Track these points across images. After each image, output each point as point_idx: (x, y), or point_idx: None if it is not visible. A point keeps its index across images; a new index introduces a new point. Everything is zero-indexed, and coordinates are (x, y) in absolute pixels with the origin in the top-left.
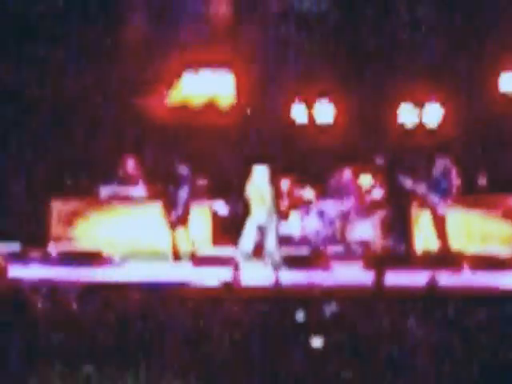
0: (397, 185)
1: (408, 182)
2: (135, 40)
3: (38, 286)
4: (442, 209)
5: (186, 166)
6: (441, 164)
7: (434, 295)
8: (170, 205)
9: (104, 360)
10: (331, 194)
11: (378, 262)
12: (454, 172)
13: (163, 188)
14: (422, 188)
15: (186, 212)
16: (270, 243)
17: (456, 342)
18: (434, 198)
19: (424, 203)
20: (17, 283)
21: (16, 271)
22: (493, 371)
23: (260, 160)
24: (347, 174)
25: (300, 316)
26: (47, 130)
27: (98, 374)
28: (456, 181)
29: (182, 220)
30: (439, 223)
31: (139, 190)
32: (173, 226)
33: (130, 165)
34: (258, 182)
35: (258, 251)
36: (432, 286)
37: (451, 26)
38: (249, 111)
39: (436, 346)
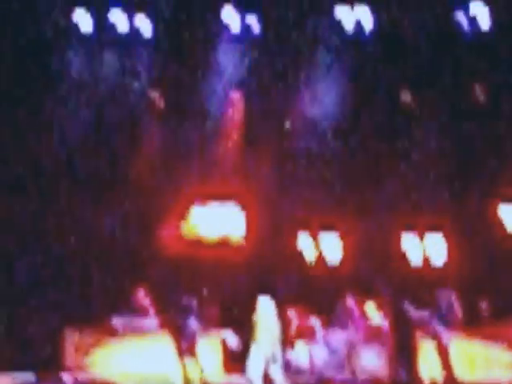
0: (402, 314)
1: (413, 312)
2: (146, 172)
3: None
4: (446, 338)
5: (193, 297)
6: (445, 296)
7: None
8: (179, 335)
9: None
10: (336, 323)
11: None
12: (457, 304)
13: (172, 318)
14: (426, 318)
15: (195, 342)
16: (277, 372)
17: None
18: (438, 328)
19: (428, 333)
20: None
21: None
22: None
23: (267, 291)
24: (350, 302)
25: None
26: (61, 260)
27: None
28: (459, 312)
29: (192, 350)
30: (443, 352)
31: (151, 321)
32: (182, 355)
33: (141, 295)
34: (263, 312)
35: (267, 380)
36: None
37: (450, 157)
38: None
39: None
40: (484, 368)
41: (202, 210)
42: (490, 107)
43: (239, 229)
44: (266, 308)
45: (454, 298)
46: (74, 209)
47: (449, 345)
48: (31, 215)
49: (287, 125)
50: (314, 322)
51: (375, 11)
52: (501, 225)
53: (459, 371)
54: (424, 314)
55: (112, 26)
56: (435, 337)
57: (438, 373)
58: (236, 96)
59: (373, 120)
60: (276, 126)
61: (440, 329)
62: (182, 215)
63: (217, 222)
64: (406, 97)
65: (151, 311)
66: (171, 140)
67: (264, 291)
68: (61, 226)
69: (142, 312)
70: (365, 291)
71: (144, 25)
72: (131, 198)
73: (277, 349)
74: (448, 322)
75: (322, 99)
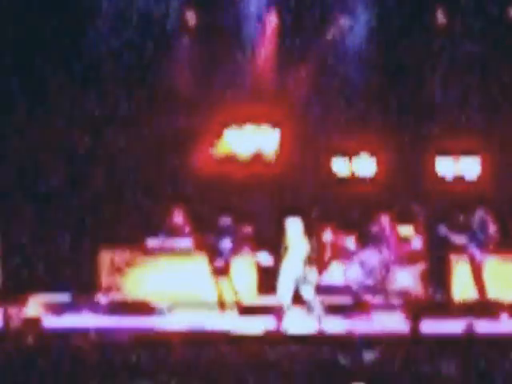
0: (435, 235)
1: (447, 232)
2: (182, 94)
3: (87, 335)
4: (480, 258)
5: (228, 217)
6: (478, 215)
7: (472, 343)
8: (214, 255)
9: None
10: (371, 243)
11: (415, 310)
12: (490, 223)
13: (207, 239)
14: (460, 238)
15: (230, 262)
16: (309, 294)
17: None
18: (472, 248)
19: (462, 253)
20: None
21: (66, 321)
22: None
23: (300, 211)
24: (385, 220)
25: (343, 361)
26: (97, 182)
27: None
28: (493, 231)
29: (227, 270)
30: (477, 272)
31: (186, 241)
32: (217, 276)
33: (178, 216)
34: (293, 233)
35: (299, 300)
36: (470, 333)
37: (487, 83)
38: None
39: None
40: None
41: (236, 131)
42: None
43: (273, 148)
44: (295, 229)
45: (488, 218)
46: (108, 128)
47: (483, 266)
48: (61, 133)
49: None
50: (349, 242)
51: None
52: None
53: (493, 292)
54: (458, 235)
55: None
56: (470, 258)
57: (471, 294)
58: (270, 15)
59: (408, 46)
60: (311, 47)
61: (474, 250)
62: (217, 136)
63: (250, 142)
64: (441, 17)
65: (186, 231)
66: (206, 61)
67: (296, 211)
68: (95, 147)
69: (176, 232)
70: (399, 213)
71: None
72: (166, 118)
73: (309, 269)
74: (482, 243)
75: (357, 21)
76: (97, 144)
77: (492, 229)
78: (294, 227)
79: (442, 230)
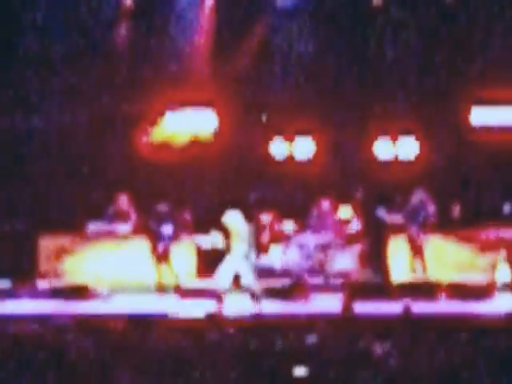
0: (374, 216)
1: (384, 213)
2: (119, 78)
3: (28, 320)
4: (420, 239)
5: (166, 202)
6: (417, 195)
7: (408, 323)
8: (154, 240)
9: None
10: (311, 227)
11: (351, 291)
12: (430, 203)
13: (147, 224)
14: (398, 218)
15: (170, 246)
16: (248, 277)
17: (431, 369)
18: (411, 228)
19: (401, 233)
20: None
21: (6, 307)
22: None
23: (238, 202)
24: (325, 205)
25: (311, 339)
26: (36, 167)
27: None
28: (432, 212)
29: (166, 254)
30: (417, 253)
31: (125, 226)
32: (157, 260)
33: (123, 201)
34: (231, 224)
35: (238, 284)
36: (407, 314)
37: (424, 63)
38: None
39: (411, 374)
40: (458, 270)
41: (173, 115)
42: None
43: (210, 131)
44: (234, 220)
45: (427, 199)
46: (48, 112)
47: (423, 246)
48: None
49: (263, 117)
50: (288, 225)
51: None
52: (473, 128)
53: (433, 273)
54: (397, 216)
55: None
56: (409, 238)
57: (410, 274)
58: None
59: (348, 26)
60: (249, 30)
61: (413, 230)
62: (155, 121)
63: (188, 125)
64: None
65: (126, 217)
66: (142, 44)
67: (236, 198)
68: (34, 131)
69: (116, 218)
70: (338, 195)
71: None
72: (104, 103)
73: (249, 253)
74: (421, 224)
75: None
76: (36, 128)
77: (431, 209)
78: (233, 218)
79: (380, 211)
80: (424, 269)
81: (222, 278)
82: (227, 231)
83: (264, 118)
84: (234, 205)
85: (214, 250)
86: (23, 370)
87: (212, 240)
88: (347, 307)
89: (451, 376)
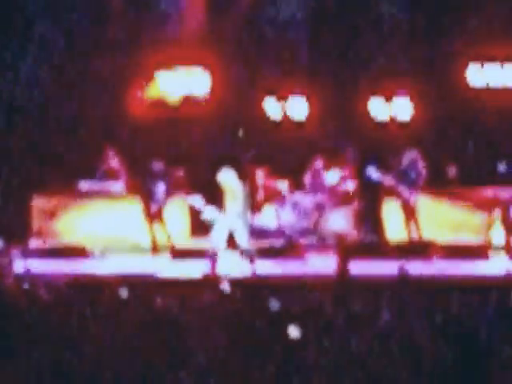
0: (367, 177)
1: (376, 174)
2: (112, 38)
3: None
4: (412, 199)
5: (160, 161)
6: (408, 156)
7: (404, 284)
8: (147, 199)
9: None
10: (305, 186)
11: (345, 251)
12: (421, 163)
13: (140, 183)
14: (390, 179)
15: (164, 206)
16: (243, 237)
17: (427, 330)
18: (403, 189)
19: (394, 194)
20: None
21: None
22: (463, 360)
23: (232, 157)
24: (319, 164)
25: (274, 305)
26: (27, 126)
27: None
28: (423, 172)
29: (160, 214)
30: (410, 213)
31: (119, 185)
32: (151, 219)
33: (113, 159)
34: (226, 182)
35: (233, 244)
36: (402, 274)
37: (417, 21)
38: (240, 133)
39: (407, 335)
40: (452, 230)
41: (166, 74)
42: None
43: (204, 90)
44: (228, 178)
45: (419, 159)
46: (37, 71)
47: (415, 206)
48: None
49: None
50: (282, 185)
51: None
52: (469, 88)
53: (427, 233)
54: (390, 177)
55: None
56: (401, 199)
57: (404, 234)
58: None
59: None
60: None
61: (405, 190)
62: (148, 79)
63: (181, 84)
64: None
65: (119, 175)
66: (138, 3)
67: (229, 158)
68: (25, 91)
69: (109, 176)
70: (332, 155)
71: None
72: (97, 61)
73: (242, 212)
74: (414, 184)
75: None
76: (27, 88)
77: (422, 170)
78: (227, 176)
79: (373, 171)
80: (417, 229)
81: (216, 237)
82: (221, 190)
83: (241, 134)
84: (229, 163)
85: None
86: (15, 329)
87: (194, 202)
88: (342, 268)
89: (445, 336)
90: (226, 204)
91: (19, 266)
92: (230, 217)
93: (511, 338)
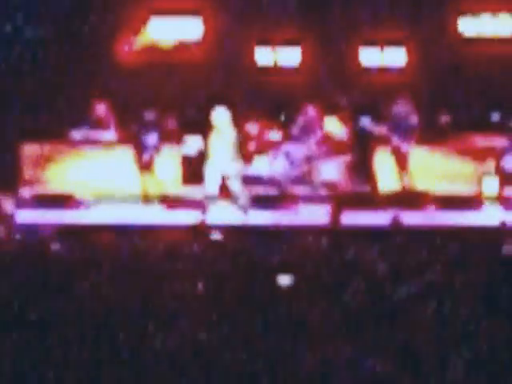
0: (359, 126)
1: (369, 124)
2: None
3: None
4: (405, 148)
5: (152, 110)
6: (400, 106)
7: (397, 233)
8: (139, 148)
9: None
10: (297, 136)
11: (338, 201)
12: (413, 112)
13: (132, 132)
14: (382, 129)
15: (155, 155)
16: (235, 184)
17: (418, 278)
18: (395, 138)
19: (387, 143)
20: None
21: None
22: (451, 307)
23: (226, 101)
24: (311, 111)
25: (265, 254)
26: (18, 74)
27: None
28: (416, 122)
29: (151, 163)
30: (402, 163)
31: (110, 134)
32: (142, 169)
33: (101, 109)
34: (219, 123)
35: (225, 193)
36: (396, 224)
37: None
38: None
39: (399, 284)
40: (445, 180)
41: (158, 20)
42: None
43: (196, 37)
44: (222, 119)
45: (411, 109)
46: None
47: (408, 156)
48: None
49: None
50: (274, 133)
51: None
52: (462, 37)
53: (419, 183)
54: (382, 127)
55: None
56: (394, 148)
57: (396, 183)
58: None
59: None
60: None
61: (397, 139)
62: (139, 25)
63: (173, 30)
64: None
65: (111, 124)
66: None
67: (221, 102)
68: (16, 41)
69: (101, 125)
70: (325, 104)
71: None
72: (88, 11)
73: (235, 160)
74: (405, 131)
75: None
76: (17, 38)
77: (414, 119)
78: (221, 117)
79: (365, 121)
80: (409, 179)
81: (209, 181)
82: (212, 135)
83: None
84: (223, 103)
85: (200, 157)
86: (3, 279)
87: (186, 150)
88: (335, 218)
89: (438, 284)
90: (217, 148)
91: (10, 214)
92: (222, 161)
93: (502, 287)
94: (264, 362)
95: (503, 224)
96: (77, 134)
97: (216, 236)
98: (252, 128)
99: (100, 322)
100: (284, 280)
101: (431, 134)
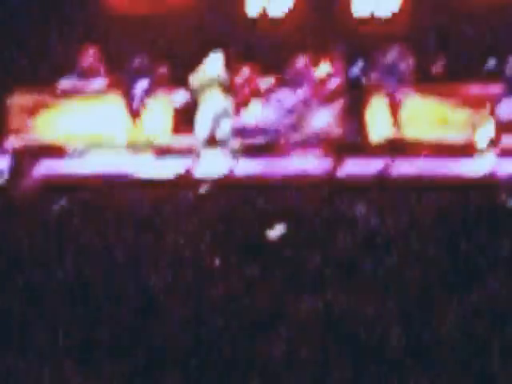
0: (351, 74)
1: (362, 71)
2: None
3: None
4: (398, 96)
5: (143, 57)
6: (393, 52)
7: (388, 182)
8: (129, 96)
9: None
10: (289, 83)
11: (336, 150)
12: (408, 58)
13: (122, 79)
14: (375, 75)
15: (145, 103)
16: (225, 130)
17: (410, 229)
18: (389, 85)
19: (380, 90)
20: None
21: None
22: (444, 261)
23: (218, 46)
24: (303, 61)
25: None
26: (3, 22)
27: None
28: (409, 68)
29: (141, 111)
30: (395, 111)
31: (99, 82)
32: (132, 116)
33: (91, 56)
34: (212, 69)
35: (215, 140)
36: (386, 172)
37: None
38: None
39: (392, 233)
40: (439, 127)
41: None
42: None
43: None
44: (214, 65)
45: (403, 55)
46: None
47: (401, 103)
48: None
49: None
50: (267, 81)
51: None
52: None
53: (412, 131)
54: (375, 73)
55: None
56: (387, 95)
57: (389, 131)
58: None
59: None
60: None
61: (391, 86)
62: None
63: None
64: None
65: (100, 72)
66: None
67: (214, 46)
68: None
69: (90, 73)
70: (317, 51)
71: None
72: None
73: (227, 108)
74: (400, 80)
75: None
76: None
77: (407, 65)
78: (214, 62)
79: (357, 68)
80: (403, 126)
81: (199, 127)
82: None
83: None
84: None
85: (191, 105)
86: None
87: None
88: (333, 169)
89: (431, 235)
90: (209, 94)
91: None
92: (214, 107)
93: (496, 237)
94: (259, 312)
95: (495, 171)
96: (66, 82)
97: (206, 185)
98: (244, 76)
99: (85, 273)
100: (274, 232)
101: (424, 81)
